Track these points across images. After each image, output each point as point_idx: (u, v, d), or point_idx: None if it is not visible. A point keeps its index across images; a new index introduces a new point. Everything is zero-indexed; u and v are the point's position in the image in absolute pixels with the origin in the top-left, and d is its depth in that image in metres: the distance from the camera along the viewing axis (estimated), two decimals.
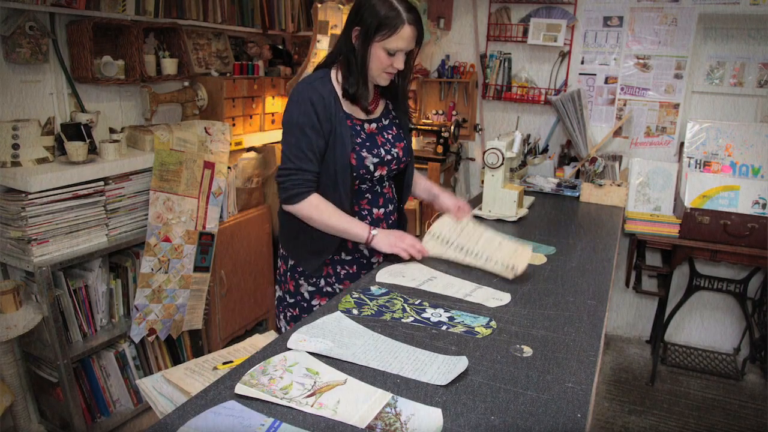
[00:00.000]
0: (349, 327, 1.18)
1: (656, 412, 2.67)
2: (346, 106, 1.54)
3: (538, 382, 1.00)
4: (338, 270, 1.63)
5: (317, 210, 1.47)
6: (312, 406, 0.90)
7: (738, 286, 2.93)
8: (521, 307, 1.32)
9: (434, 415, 0.89)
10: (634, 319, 3.39)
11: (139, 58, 2.26)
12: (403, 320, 1.22)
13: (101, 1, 2.12)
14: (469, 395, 0.95)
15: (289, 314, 1.69)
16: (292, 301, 1.67)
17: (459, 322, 1.23)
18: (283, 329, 1.73)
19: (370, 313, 1.23)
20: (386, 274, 1.48)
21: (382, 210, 1.64)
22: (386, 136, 1.62)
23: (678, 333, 3.30)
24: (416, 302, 1.32)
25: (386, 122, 1.65)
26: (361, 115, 1.58)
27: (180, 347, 2.55)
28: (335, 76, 1.54)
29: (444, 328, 1.20)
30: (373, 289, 1.39)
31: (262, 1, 2.93)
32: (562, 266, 1.61)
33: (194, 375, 1.14)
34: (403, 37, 1.44)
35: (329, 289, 1.63)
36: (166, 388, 1.12)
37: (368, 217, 1.61)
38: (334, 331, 1.15)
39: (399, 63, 1.48)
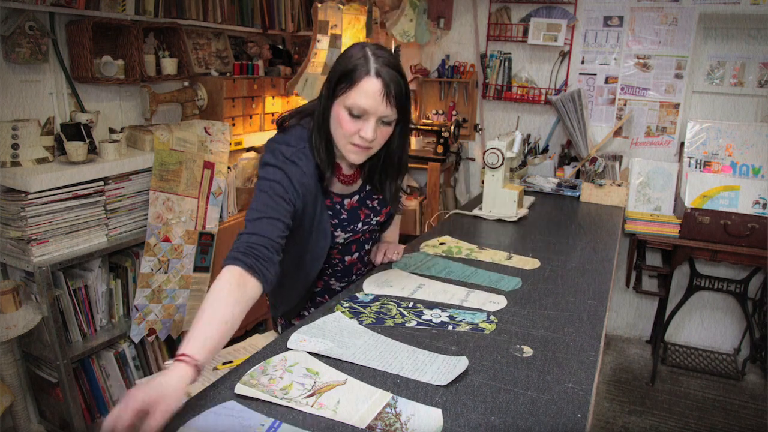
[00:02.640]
0: (349, 327, 1.17)
1: (656, 412, 2.67)
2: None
3: (538, 383, 0.99)
4: (331, 283, 1.50)
5: (213, 287, 1.01)
6: (312, 406, 0.90)
7: (738, 286, 2.93)
8: (521, 307, 1.32)
9: (434, 416, 0.89)
10: (634, 319, 3.39)
11: (138, 58, 2.26)
12: (406, 324, 1.21)
13: (101, 0, 2.12)
14: (469, 395, 0.95)
15: (284, 322, 1.61)
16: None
17: (461, 320, 1.22)
18: (279, 329, 1.68)
19: (370, 322, 1.21)
20: (373, 285, 1.41)
21: (355, 255, 1.47)
22: (370, 205, 1.39)
23: (678, 333, 3.30)
24: (409, 305, 1.31)
25: (368, 188, 1.38)
26: (342, 189, 1.33)
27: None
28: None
29: (450, 327, 1.19)
30: (360, 296, 1.34)
31: (262, 1, 2.93)
32: (562, 266, 1.60)
33: None
34: (365, 92, 1.10)
35: (320, 298, 1.54)
36: None
37: (340, 265, 1.46)
38: (334, 331, 1.15)
39: (367, 131, 1.13)
